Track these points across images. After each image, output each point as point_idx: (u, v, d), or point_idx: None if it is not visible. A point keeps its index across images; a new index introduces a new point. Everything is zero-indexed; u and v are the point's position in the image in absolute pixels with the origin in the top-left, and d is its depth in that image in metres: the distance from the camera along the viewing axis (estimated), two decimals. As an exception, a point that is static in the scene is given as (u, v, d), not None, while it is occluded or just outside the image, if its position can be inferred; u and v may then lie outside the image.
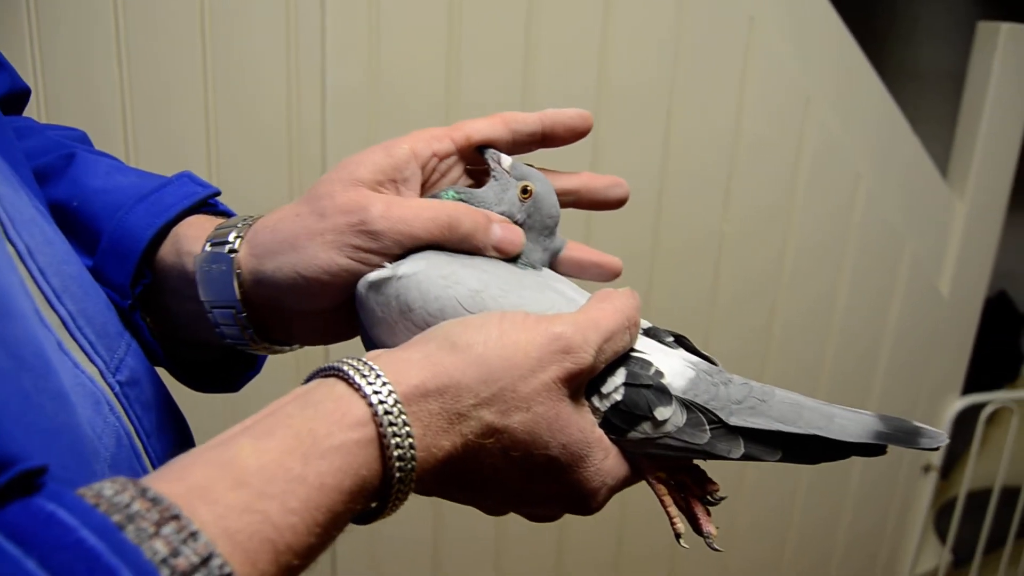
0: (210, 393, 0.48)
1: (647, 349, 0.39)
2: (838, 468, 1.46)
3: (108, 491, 0.25)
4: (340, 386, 0.32)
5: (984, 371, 1.75)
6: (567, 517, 1.17)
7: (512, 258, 0.41)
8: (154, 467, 0.38)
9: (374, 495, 0.32)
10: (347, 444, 0.30)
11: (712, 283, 1.24)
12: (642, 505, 1.32)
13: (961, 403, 1.51)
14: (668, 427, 0.37)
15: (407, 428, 0.31)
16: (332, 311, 0.41)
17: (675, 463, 0.39)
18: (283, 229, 0.40)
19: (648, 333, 0.41)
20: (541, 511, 0.39)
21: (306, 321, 0.42)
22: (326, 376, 0.33)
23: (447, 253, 0.39)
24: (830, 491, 1.47)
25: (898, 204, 1.33)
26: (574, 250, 0.45)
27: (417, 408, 0.32)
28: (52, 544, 0.23)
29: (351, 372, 0.32)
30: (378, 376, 0.31)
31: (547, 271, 0.43)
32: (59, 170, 0.45)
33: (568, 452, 0.35)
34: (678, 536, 0.38)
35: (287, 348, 0.45)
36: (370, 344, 0.40)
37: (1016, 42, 1.30)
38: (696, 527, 0.39)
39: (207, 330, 0.42)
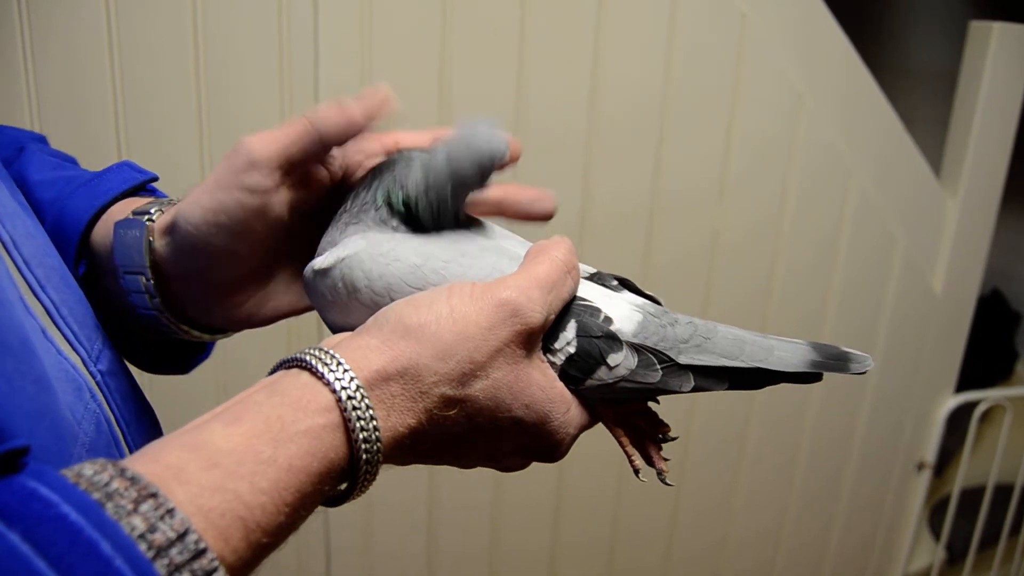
0: (160, 375, 0.49)
1: (593, 295, 0.40)
2: (832, 466, 1.46)
3: (88, 471, 0.26)
4: (304, 375, 0.33)
5: (977, 369, 1.75)
6: (560, 529, 1.17)
7: (435, 214, 0.40)
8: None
9: (343, 477, 0.33)
10: (314, 429, 0.31)
11: (706, 280, 1.25)
12: (634, 519, 1.32)
13: (954, 401, 1.51)
14: (621, 371, 0.38)
15: (371, 412, 0.32)
16: (241, 284, 0.42)
17: (631, 406, 0.42)
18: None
19: (593, 278, 0.43)
20: (511, 463, 0.40)
21: (220, 294, 0.43)
22: (289, 367, 0.34)
23: (384, 231, 0.40)
24: (824, 489, 1.47)
25: (891, 202, 1.33)
26: (511, 192, 0.45)
27: (380, 392, 0.33)
28: (35, 518, 0.24)
29: (314, 362, 0.33)
30: (339, 364, 0.33)
31: (484, 224, 0.43)
32: (9, 163, 0.46)
33: (531, 411, 0.37)
34: (636, 471, 0.41)
35: (206, 335, 0.46)
36: (333, 328, 0.42)
37: (1008, 41, 1.30)
38: (650, 464, 0.42)
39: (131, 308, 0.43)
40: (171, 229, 0.41)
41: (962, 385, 1.55)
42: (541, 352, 0.38)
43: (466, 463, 0.39)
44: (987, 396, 1.53)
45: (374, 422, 0.32)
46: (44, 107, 0.88)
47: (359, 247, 0.39)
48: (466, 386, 0.35)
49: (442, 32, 0.99)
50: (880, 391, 1.44)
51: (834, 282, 1.33)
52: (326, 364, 0.33)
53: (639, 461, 0.42)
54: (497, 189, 0.44)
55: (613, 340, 0.39)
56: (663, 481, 0.41)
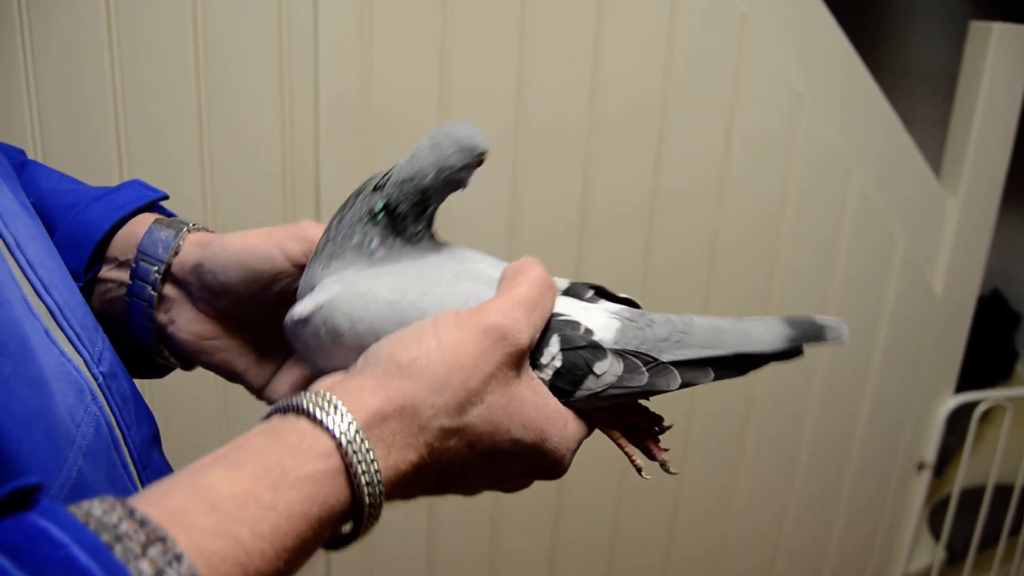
0: (136, 378, 0.51)
1: (571, 310, 0.41)
2: (832, 466, 1.46)
3: (97, 510, 0.26)
4: (302, 421, 0.33)
5: (977, 369, 1.75)
6: (560, 529, 1.17)
7: (406, 227, 0.41)
8: (132, 457, 0.40)
9: (344, 520, 0.33)
10: (314, 475, 0.31)
11: (706, 280, 1.25)
12: (634, 519, 1.32)
13: (954, 401, 1.51)
14: (608, 378, 0.39)
15: (371, 454, 0.32)
16: (220, 321, 0.46)
17: (623, 408, 0.42)
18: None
19: (568, 292, 0.44)
20: (514, 484, 0.41)
21: (199, 318, 0.46)
22: (285, 412, 0.34)
23: (357, 267, 0.40)
24: (824, 489, 1.47)
25: (891, 203, 1.33)
26: None
27: (379, 432, 0.33)
28: (44, 560, 0.24)
29: (311, 407, 0.33)
30: (336, 408, 0.33)
31: (455, 248, 0.43)
32: (17, 172, 0.47)
33: (529, 430, 0.37)
34: (639, 470, 0.42)
35: (164, 354, 0.48)
36: (321, 371, 0.42)
37: (1008, 42, 1.30)
38: (652, 457, 0.43)
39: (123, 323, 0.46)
40: (208, 243, 0.45)
41: (962, 385, 1.54)
42: (530, 370, 0.39)
43: (470, 490, 0.40)
44: (987, 396, 1.53)
45: (375, 464, 0.32)
46: (44, 107, 0.88)
47: (336, 291, 0.39)
48: (463, 415, 0.35)
49: (442, 32, 0.99)
50: (880, 391, 1.44)
51: (834, 282, 1.33)
52: (323, 409, 0.33)
53: (640, 459, 0.42)
54: None
55: (597, 349, 0.39)
56: (667, 470, 0.42)
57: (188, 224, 0.47)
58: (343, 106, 0.97)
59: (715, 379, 0.41)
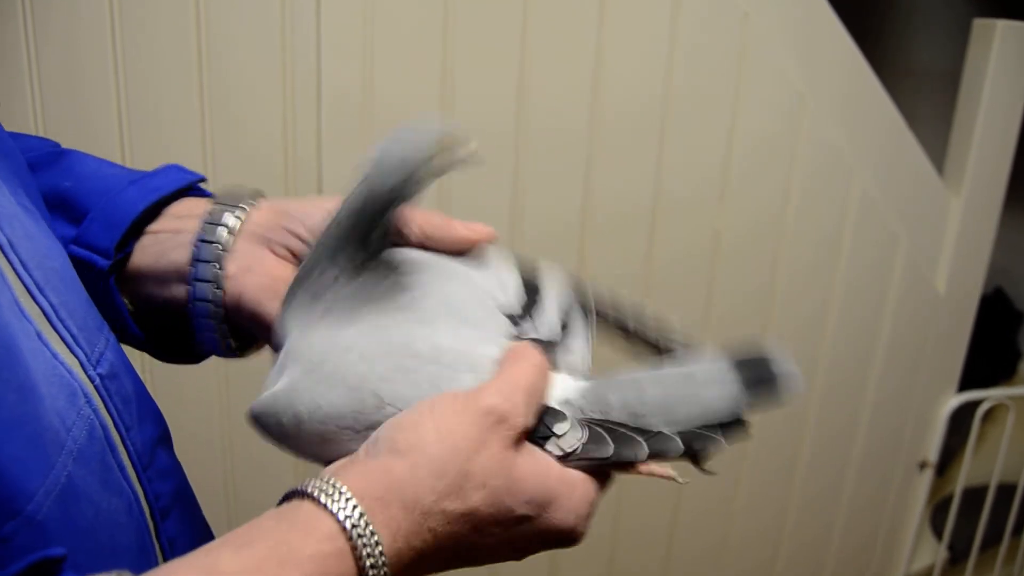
0: (173, 363, 0.50)
1: None
2: (834, 466, 1.46)
3: None
4: (308, 504, 0.34)
5: (980, 368, 1.75)
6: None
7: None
8: (132, 460, 0.40)
9: None
10: (318, 556, 0.32)
11: (708, 281, 1.24)
12: (634, 519, 1.32)
13: (957, 400, 1.51)
14: (571, 440, 0.39)
15: (375, 538, 0.33)
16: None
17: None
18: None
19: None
20: (528, 554, 0.41)
21: (265, 290, 0.44)
22: (291, 497, 0.35)
23: (314, 341, 0.39)
24: (826, 488, 1.47)
25: (894, 202, 1.33)
26: (433, 227, 0.45)
27: (384, 517, 0.34)
28: None
29: (316, 493, 0.34)
30: (341, 493, 0.34)
31: (421, 280, 0.41)
32: (50, 161, 0.48)
33: (535, 504, 0.37)
34: (674, 479, 0.41)
35: (228, 338, 0.46)
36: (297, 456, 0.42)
37: (1012, 40, 1.30)
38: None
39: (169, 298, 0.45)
40: (286, 213, 0.45)
41: (965, 384, 1.54)
42: (528, 444, 0.38)
43: (484, 564, 0.40)
44: (990, 395, 1.53)
45: (379, 548, 0.33)
46: (47, 103, 0.88)
47: (294, 375, 0.39)
48: (465, 499, 0.35)
49: (444, 32, 0.99)
50: (882, 390, 1.44)
51: (836, 282, 1.33)
52: (328, 494, 0.34)
53: (671, 470, 0.41)
54: (422, 222, 0.45)
55: (555, 412, 0.39)
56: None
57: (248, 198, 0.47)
58: (345, 106, 0.97)
59: (684, 455, 0.40)
